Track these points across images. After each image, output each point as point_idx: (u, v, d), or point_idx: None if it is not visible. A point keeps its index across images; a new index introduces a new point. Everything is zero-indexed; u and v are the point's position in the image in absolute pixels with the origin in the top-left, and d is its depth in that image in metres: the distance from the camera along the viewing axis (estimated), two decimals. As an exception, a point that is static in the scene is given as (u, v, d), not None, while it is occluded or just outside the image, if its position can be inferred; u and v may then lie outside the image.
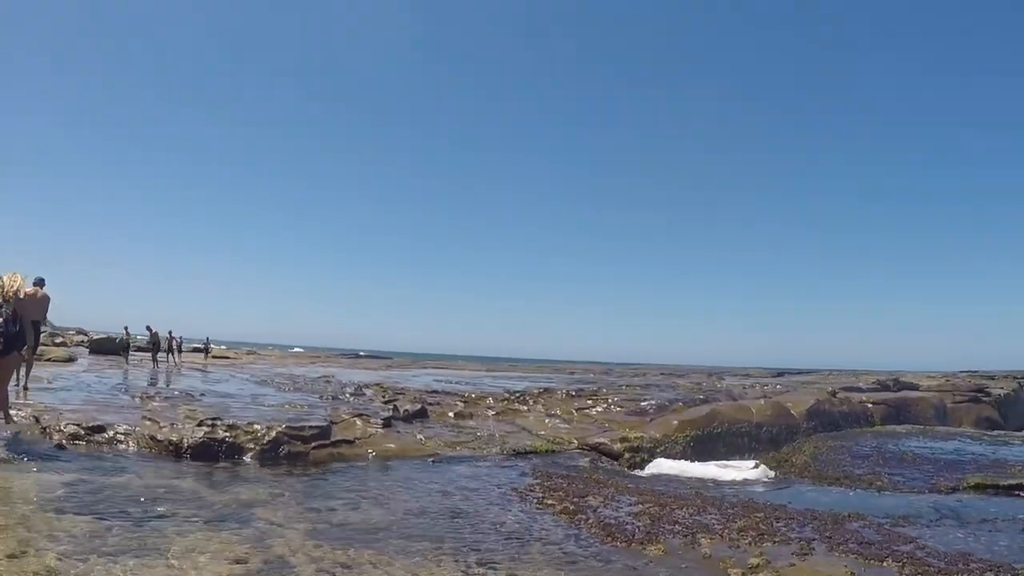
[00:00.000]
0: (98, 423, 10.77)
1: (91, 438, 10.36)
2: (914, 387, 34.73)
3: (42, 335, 17.39)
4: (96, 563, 5.25)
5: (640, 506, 8.92)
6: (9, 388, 10.35)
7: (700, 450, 15.63)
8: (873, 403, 23.75)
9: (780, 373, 54.92)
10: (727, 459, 15.83)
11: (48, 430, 10.54)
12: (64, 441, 10.11)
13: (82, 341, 45.35)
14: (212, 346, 50.35)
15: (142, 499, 7.39)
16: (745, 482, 12.81)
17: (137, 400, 14.16)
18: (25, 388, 13.88)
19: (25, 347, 10.24)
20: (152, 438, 10.37)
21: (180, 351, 38.17)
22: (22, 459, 8.78)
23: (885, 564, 6.86)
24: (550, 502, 8.75)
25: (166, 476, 8.72)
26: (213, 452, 10.26)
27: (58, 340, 45.78)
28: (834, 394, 23.49)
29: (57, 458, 9.16)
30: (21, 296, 9.47)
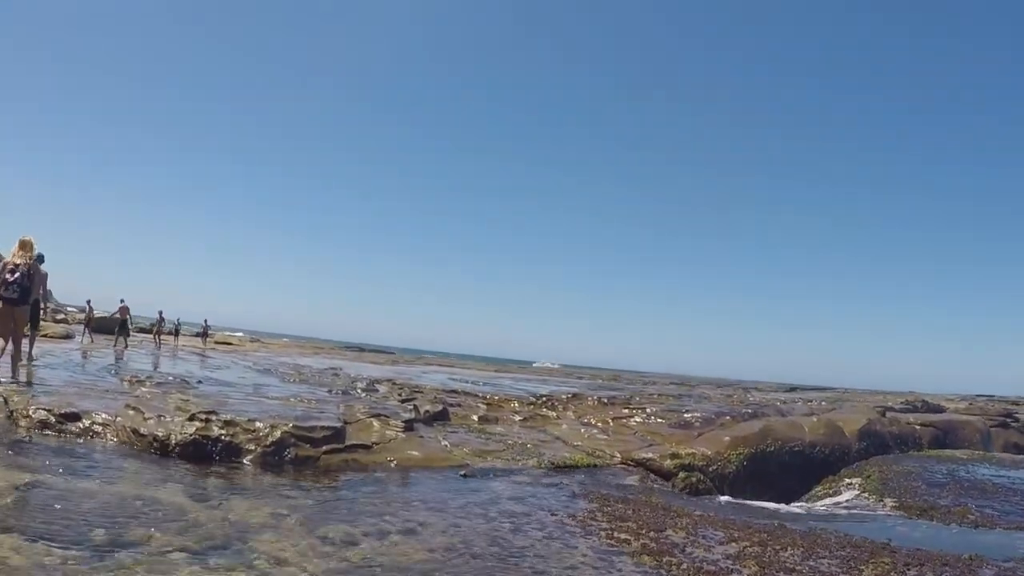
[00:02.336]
0: (73, 410, 9.14)
1: (63, 427, 8.75)
2: (941, 409, 32.98)
3: (45, 310, 16.70)
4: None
5: (734, 544, 7.26)
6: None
7: (753, 470, 13.92)
8: (921, 425, 22.02)
9: (792, 388, 52.80)
10: (780, 480, 14.22)
11: (14, 415, 8.93)
12: (31, 430, 8.51)
13: (83, 319, 44.09)
14: (212, 331, 48.93)
15: (110, 515, 5.75)
16: (825, 513, 11.17)
17: (125, 384, 12.53)
18: (24, 362, 13.20)
19: (24, 303, 11.19)
20: (135, 431, 8.71)
21: (178, 334, 37.25)
22: (-24, 451, 7.23)
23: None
24: (622, 536, 7.07)
25: (145, 482, 7.05)
26: (206, 452, 8.60)
27: (59, 317, 44.74)
28: (883, 414, 21.75)
29: (19, 451, 7.57)
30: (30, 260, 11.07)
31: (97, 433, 8.78)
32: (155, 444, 8.49)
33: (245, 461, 8.66)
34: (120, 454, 8.20)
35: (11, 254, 11.09)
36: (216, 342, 46.34)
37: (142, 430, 8.69)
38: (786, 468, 14.80)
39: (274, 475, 8.26)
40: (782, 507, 11.85)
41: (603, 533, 7.16)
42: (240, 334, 72.98)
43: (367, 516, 6.79)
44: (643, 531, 7.38)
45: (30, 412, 8.90)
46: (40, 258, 12.66)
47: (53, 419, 8.78)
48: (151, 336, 35.69)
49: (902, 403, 33.06)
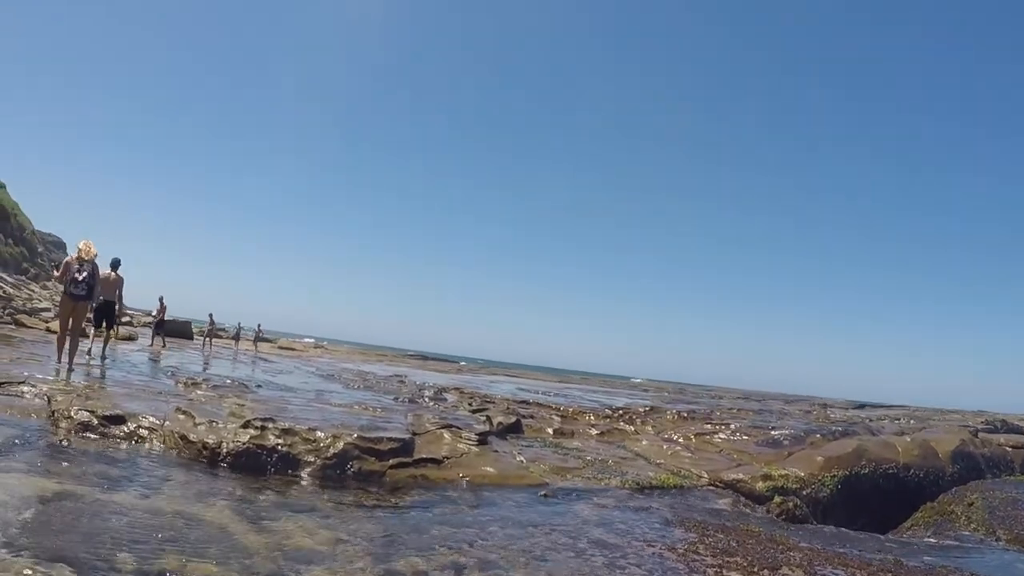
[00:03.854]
0: (118, 412, 8.37)
1: (106, 430, 7.98)
2: (1021, 430, 30.90)
3: (120, 314, 17.45)
4: None
5: (864, 591, 6.12)
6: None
7: (846, 495, 12.61)
8: (1012, 447, 20.31)
9: (862, 405, 50.44)
10: (873, 506, 12.90)
11: (56, 415, 8.19)
12: (70, 432, 7.74)
13: (149, 322, 44.44)
14: (270, 336, 48.83)
15: (143, 536, 4.87)
16: (934, 545, 9.88)
17: (180, 387, 11.79)
18: (102, 357, 15.19)
19: (92, 301, 12.95)
20: (183, 437, 7.88)
21: (238, 338, 37.33)
22: (11, 454, 6.48)
23: None
24: (734, 576, 5.97)
25: (189, 496, 6.18)
26: (260, 463, 7.74)
27: (124, 319, 44.92)
28: (975, 434, 20.11)
29: (53, 457, 6.78)
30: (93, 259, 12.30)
31: (142, 438, 8.00)
32: (204, 452, 7.66)
33: (303, 474, 7.77)
34: (165, 462, 7.38)
35: (76, 254, 12.18)
36: (280, 347, 46.18)
37: (191, 436, 7.87)
38: (879, 492, 13.46)
39: (334, 491, 7.34)
40: (888, 538, 10.58)
41: (711, 571, 6.07)
42: (308, 340, 73.12)
43: (439, 545, 5.80)
44: (755, 569, 6.28)
45: (72, 413, 8.15)
46: (116, 262, 15.22)
47: (96, 421, 8.04)
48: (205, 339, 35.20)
49: (982, 423, 31.11)
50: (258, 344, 41.39)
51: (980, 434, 21.26)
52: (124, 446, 7.74)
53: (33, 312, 29.22)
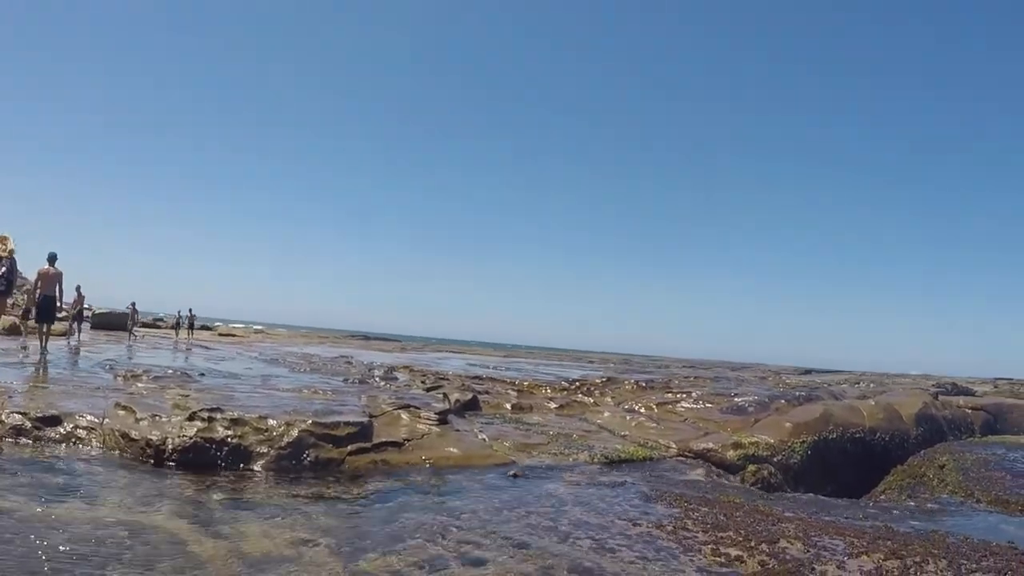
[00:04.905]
0: (53, 412, 7.76)
1: (41, 434, 7.37)
2: (972, 392, 31.39)
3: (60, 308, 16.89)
4: None
5: (865, 558, 5.88)
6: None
7: (816, 460, 12.49)
8: (972, 408, 20.52)
9: (808, 371, 50.82)
10: (841, 471, 12.82)
11: (-15, 420, 7.56)
12: (2, 439, 7.15)
13: (69, 310, 43.02)
14: (203, 322, 47.61)
15: (84, 553, 4.37)
16: (915, 509, 9.76)
17: (119, 380, 11.13)
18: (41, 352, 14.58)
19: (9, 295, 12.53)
20: (124, 435, 7.34)
21: (179, 328, 36.34)
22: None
23: None
24: (732, 552, 5.68)
25: (134, 502, 5.66)
26: (209, 458, 7.23)
27: (61, 314, 43.29)
28: (936, 397, 20.25)
29: (-16, 465, 6.20)
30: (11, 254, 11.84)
31: (81, 439, 7.44)
32: (148, 450, 7.13)
33: (256, 467, 7.29)
34: (106, 464, 6.84)
35: None
36: (220, 334, 45.11)
37: (133, 434, 7.33)
38: (848, 457, 13.41)
39: (291, 484, 6.87)
40: (868, 503, 10.46)
41: (707, 549, 5.75)
42: (243, 325, 71.79)
43: (410, 537, 5.39)
44: (751, 543, 5.99)
45: (2, 417, 7.53)
46: (53, 256, 14.66)
47: (29, 424, 7.44)
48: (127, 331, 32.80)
49: (933, 386, 31.53)
50: (192, 331, 39.42)
51: (939, 397, 21.45)
52: (61, 449, 7.17)
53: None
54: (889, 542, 6.52)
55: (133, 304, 34.27)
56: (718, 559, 5.50)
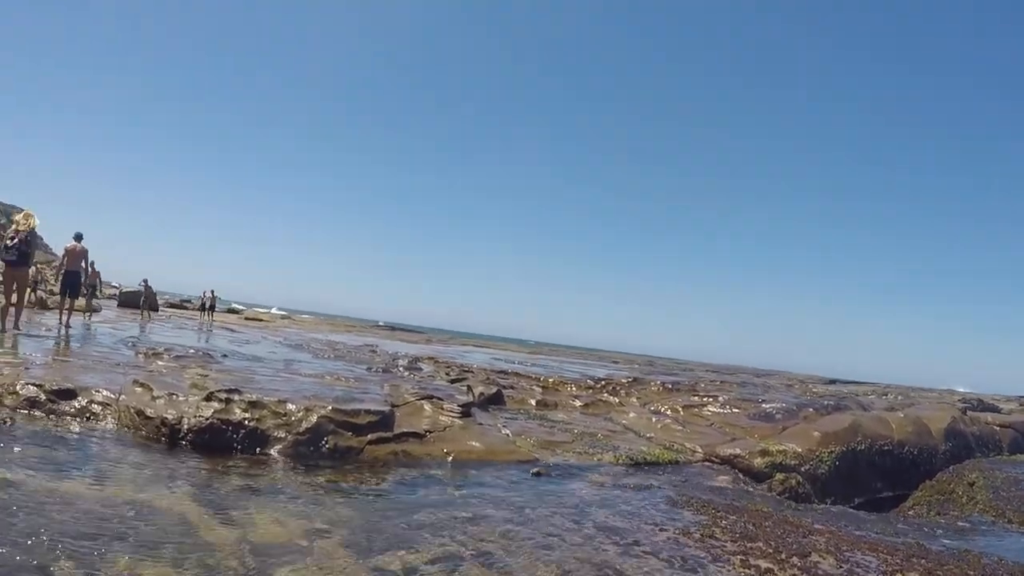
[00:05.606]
0: (69, 386, 7.59)
1: (55, 407, 7.20)
2: (997, 409, 30.65)
3: (86, 285, 18.17)
4: None
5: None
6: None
7: (843, 471, 12.12)
8: (1000, 426, 19.96)
9: (832, 381, 49.94)
10: (868, 483, 12.47)
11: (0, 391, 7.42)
12: (15, 410, 6.99)
13: (113, 294, 43.37)
14: (226, 306, 47.53)
15: (90, 533, 4.17)
16: (946, 526, 9.41)
17: (140, 358, 10.99)
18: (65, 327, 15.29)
19: (29, 267, 12.82)
20: (140, 413, 7.15)
21: (205, 309, 35.97)
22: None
23: None
24: (762, 564, 5.40)
25: (144, 481, 5.46)
26: (225, 441, 7.03)
27: (95, 289, 43.53)
28: (964, 412, 19.72)
29: (-7, 438, 6.04)
30: (35, 230, 12.36)
31: (95, 414, 7.26)
32: (163, 429, 6.94)
33: (272, 452, 7.08)
34: (120, 442, 6.66)
35: (13, 223, 12.56)
36: (246, 318, 45.21)
37: (148, 412, 7.14)
38: (875, 469, 13.02)
39: (308, 471, 6.66)
40: (898, 519, 10.15)
41: (736, 559, 5.47)
42: (273, 310, 72.05)
43: (429, 533, 5.14)
44: (782, 555, 5.70)
45: (17, 388, 7.37)
46: (79, 235, 15.59)
47: (43, 397, 7.28)
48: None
49: (959, 401, 30.80)
50: (212, 313, 38.04)
51: (967, 413, 20.91)
52: (75, 424, 6.99)
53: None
54: (924, 560, 6.22)
55: (145, 281, 33.69)
56: (747, 571, 5.23)
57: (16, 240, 12.03)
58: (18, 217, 12.64)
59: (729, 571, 5.17)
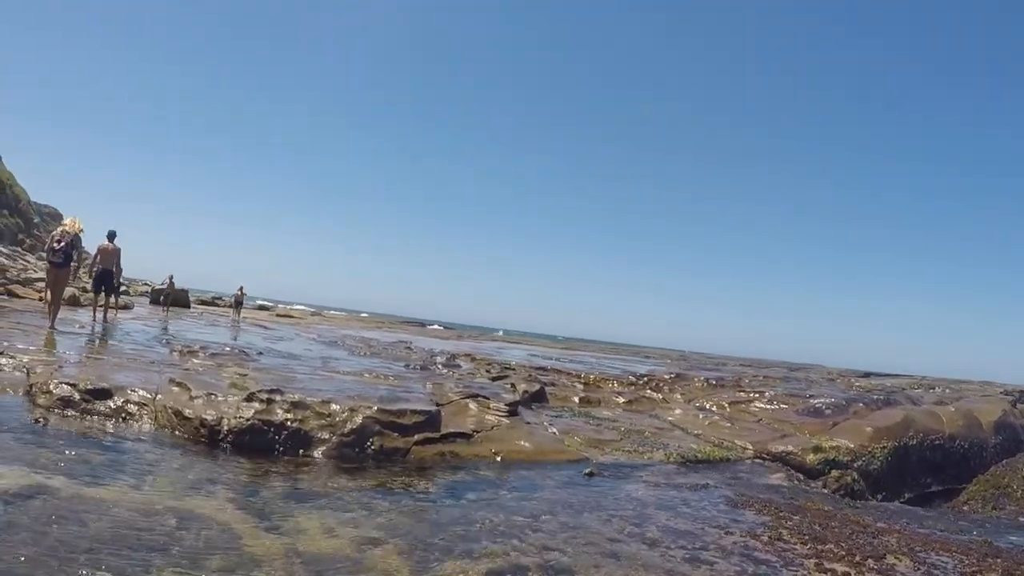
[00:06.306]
0: (104, 385, 7.33)
1: (89, 407, 6.94)
2: None
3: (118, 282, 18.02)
4: None
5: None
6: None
7: (895, 466, 11.67)
8: (1051, 419, 19.31)
9: (867, 374, 48.92)
10: (919, 476, 12.04)
11: (34, 390, 7.16)
12: (49, 410, 6.73)
13: (146, 292, 43.44)
14: (258, 303, 47.34)
15: (127, 543, 3.87)
16: (1009, 524, 9.01)
17: (175, 356, 10.74)
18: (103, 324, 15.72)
19: (70, 268, 13.35)
20: (177, 413, 6.87)
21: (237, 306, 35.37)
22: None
23: None
24: (839, 568, 5.05)
25: (185, 486, 5.16)
26: (267, 442, 6.74)
27: (121, 289, 43.66)
28: (1014, 405, 19.11)
29: (25, 440, 5.77)
30: (81, 234, 13.45)
31: (131, 415, 6.99)
32: (202, 430, 6.65)
33: (316, 454, 6.78)
34: (157, 443, 6.38)
35: (61, 227, 13.13)
36: (277, 315, 45.11)
37: (187, 412, 6.86)
38: (926, 464, 12.57)
39: (354, 474, 6.35)
40: (959, 516, 9.75)
41: (809, 563, 5.09)
42: (301, 307, 72.16)
43: (488, 541, 4.80)
44: (856, 558, 5.32)
45: (51, 387, 7.12)
46: (112, 234, 15.99)
47: (78, 396, 7.02)
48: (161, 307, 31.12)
49: (1001, 392, 29.99)
50: (240, 310, 36.15)
51: (1017, 405, 20.26)
52: (110, 425, 6.73)
53: (27, 283, 28.09)
54: (999, 560, 5.88)
55: (171, 277, 33.15)
56: (823, 575, 4.84)
57: (63, 243, 12.61)
58: (67, 221, 13.38)
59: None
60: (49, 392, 7.04)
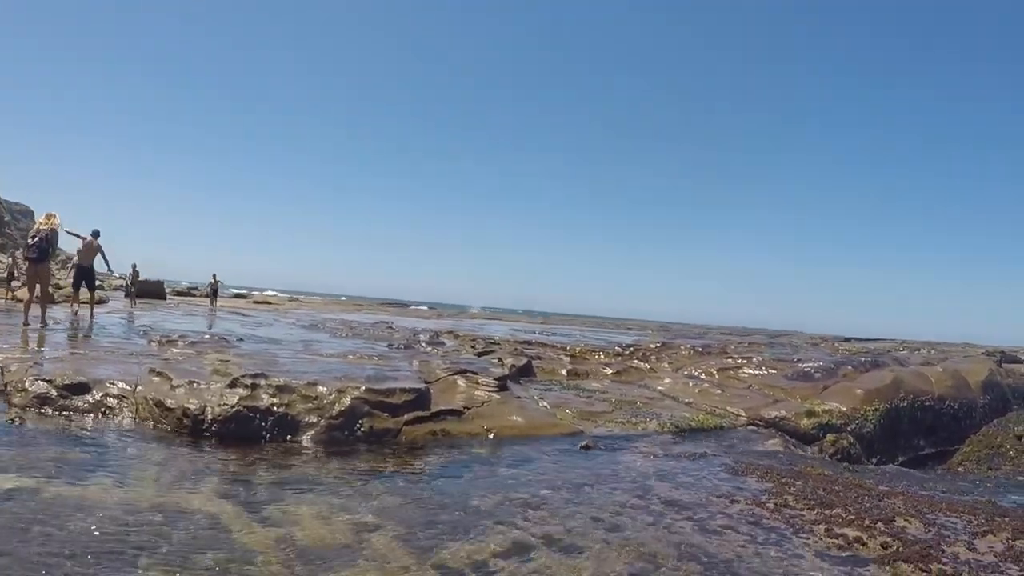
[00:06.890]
0: (81, 379, 7.09)
1: (67, 403, 6.71)
2: (1020, 360, 30.01)
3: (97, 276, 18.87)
4: None
5: (991, 537, 5.14)
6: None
7: (887, 428, 11.62)
8: (1034, 378, 19.39)
9: (847, 339, 49.02)
10: (910, 438, 12.00)
11: (8, 388, 6.93)
12: (25, 408, 6.51)
13: (121, 285, 42.84)
14: (235, 291, 46.91)
15: (111, 544, 3.68)
16: (1007, 483, 9.01)
17: (154, 346, 10.49)
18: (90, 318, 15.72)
19: (48, 263, 13.40)
20: (159, 404, 6.65)
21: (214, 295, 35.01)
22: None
23: None
24: (849, 533, 4.92)
25: (170, 481, 4.95)
26: (253, 429, 6.53)
27: (96, 283, 42.89)
28: (999, 364, 19.19)
29: (4, 441, 5.56)
30: (57, 229, 13.08)
31: (111, 408, 6.77)
32: (185, 421, 6.44)
33: (304, 439, 6.59)
34: (139, 437, 6.17)
35: (36, 223, 13.41)
36: (254, 302, 44.73)
37: (168, 402, 6.64)
38: (917, 425, 12.53)
39: (344, 458, 6.16)
40: (957, 476, 9.79)
41: (819, 529, 4.97)
42: (276, 293, 71.66)
43: (488, 521, 4.63)
44: (865, 522, 5.20)
45: (26, 385, 6.88)
46: (96, 232, 16.27)
47: (55, 393, 6.79)
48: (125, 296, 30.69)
49: (982, 353, 30.12)
50: (216, 299, 36.01)
51: (1002, 364, 20.32)
52: (90, 420, 6.50)
53: (-1, 281, 27.53)
54: (1006, 519, 5.78)
55: (134, 266, 32.18)
56: (835, 541, 4.74)
57: (37, 238, 12.69)
58: (41, 218, 13.41)
59: (816, 542, 4.70)
60: (24, 390, 6.82)
